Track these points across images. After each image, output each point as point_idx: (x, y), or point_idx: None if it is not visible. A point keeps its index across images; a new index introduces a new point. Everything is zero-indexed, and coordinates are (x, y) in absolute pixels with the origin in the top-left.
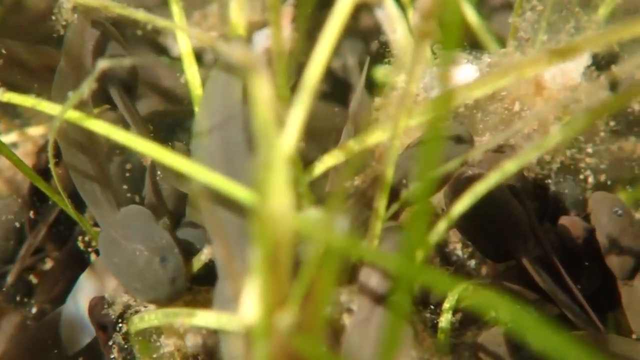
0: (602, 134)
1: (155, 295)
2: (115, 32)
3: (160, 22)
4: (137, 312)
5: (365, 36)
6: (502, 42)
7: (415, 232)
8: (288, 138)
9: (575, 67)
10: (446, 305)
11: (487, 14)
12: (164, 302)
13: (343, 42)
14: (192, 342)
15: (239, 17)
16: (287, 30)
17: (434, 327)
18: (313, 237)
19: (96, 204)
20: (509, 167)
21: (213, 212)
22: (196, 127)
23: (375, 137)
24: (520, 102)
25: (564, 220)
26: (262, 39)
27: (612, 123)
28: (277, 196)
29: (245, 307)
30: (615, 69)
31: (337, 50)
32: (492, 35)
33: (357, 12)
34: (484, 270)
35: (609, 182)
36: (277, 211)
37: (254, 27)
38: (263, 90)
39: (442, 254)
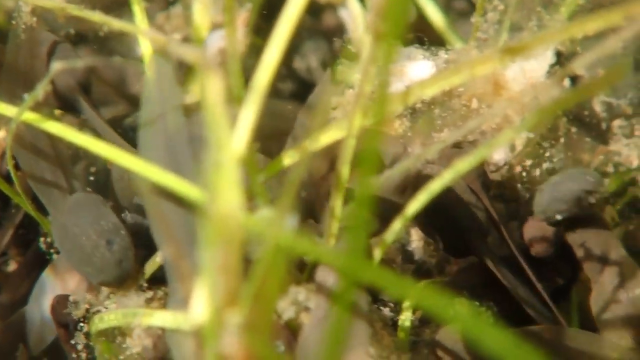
0: (561, 139)
1: (104, 278)
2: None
3: (115, 23)
4: (99, 311)
5: (328, 35)
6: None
7: (357, 232)
8: (239, 138)
9: (539, 66)
10: (406, 303)
11: (453, 15)
12: (112, 284)
13: (306, 42)
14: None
15: (202, 18)
16: (241, 32)
17: (394, 325)
18: (262, 236)
19: (45, 192)
20: (462, 166)
21: (159, 210)
22: (140, 122)
23: (331, 135)
24: (478, 99)
25: (529, 225)
26: (216, 40)
27: (573, 129)
28: (227, 196)
29: (195, 307)
30: (572, 66)
31: (300, 51)
32: (455, 34)
33: (321, 11)
34: (447, 268)
35: None
36: (226, 211)
37: (218, 29)
38: (215, 90)
39: (404, 253)
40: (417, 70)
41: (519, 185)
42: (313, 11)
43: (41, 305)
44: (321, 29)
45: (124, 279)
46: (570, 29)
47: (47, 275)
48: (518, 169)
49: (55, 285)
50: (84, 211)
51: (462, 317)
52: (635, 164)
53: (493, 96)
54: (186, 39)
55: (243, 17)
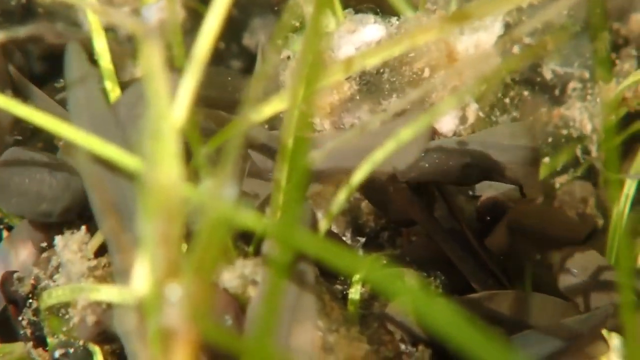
0: (513, 111)
1: (61, 204)
2: None
3: None
4: (46, 287)
5: (277, 11)
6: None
7: (297, 203)
8: (179, 107)
9: (488, 37)
10: (355, 276)
11: None
12: (70, 212)
13: (255, 18)
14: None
15: None
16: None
17: (344, 298)
18: (203, 207)
19: None
20: (405, 134)
21: (97, 180)
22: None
23: (274, 106)
24: (430, 68)
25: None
26: (152, 13)
27: (525, 92)
28: (167, 166)
29: (136, 280)
30: (517, 33)
31: (249, 27)
32: (408, 5)
33: None
34: (398, 241)
35: None
36: (166, 181)
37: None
38: (154, 59)
39: (354, 226)
40: (369, 33)
41: None
42: None
43: None
44: (270, 3)
45: (78, 205)
46: None
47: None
48: None
49: (3, 261)
50: (19, 162)
51: (408, 291)
52: (588, 129)
53: (445, 67)
54: (135, 12)
55: None
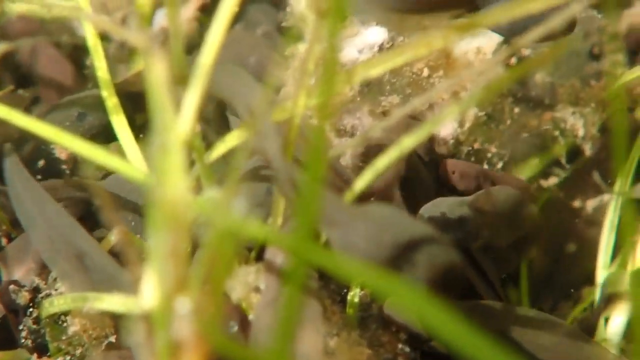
0: (508, 121)
1: None
2: None
3: (56, 8)
4: (47, 295)
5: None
6: None
7: (305, 215)
8: (184, 120)
9: (488, 43)
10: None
11: None
12: None
13: (253, 10)
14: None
15: None
16: (189, 12)
17: (343, 301)
18: (210, 219)
19: None
20: (408, 142)
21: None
22: None
23: (278, 115)
24: (429, 68)
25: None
26: (162, 18)
27: (516, 109)
28: (174, 179)
29: (144, 293)
30: (517, 44)
31: (247, 18)
32: None
33: None
34: None
35: (518, 164)
36: (173, 195)
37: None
38: (158, 73)
39: None
40: (371, 36)
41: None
42: None
43: None
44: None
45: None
46: (515, 8)
47: None
48: (466, 144)
49: (4, 271)
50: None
51: (405, 298)
52: (580, 132)
53: (445, 69)
54: (125, 19)
55: (197, 1)
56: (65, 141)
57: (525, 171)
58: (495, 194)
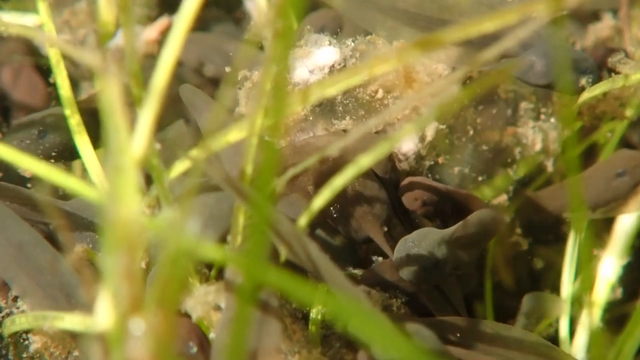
0: (471, 131)
1: None
2: None
3: (14, 28)
4: (8, 314)
5: (239, 22)
6: None
7: (257, 236)
8: (139, 141)
9: (447, 59)
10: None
11: None
12: None
13: (215, 27)
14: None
15: (107, 14)
16: (153, 34)
17: (305, 318)
18: (164, 239)
19: None
20: (366, 161)
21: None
22: None
23: (234, 134)
24: (385, 90)
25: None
26: (119, 39)
27: (478, 120)
28: (127, 200)
29: (100, 312)
30: (475, 60)
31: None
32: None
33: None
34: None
35: (479, 178)
36: (127, 215)
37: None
38: (113, 94)
39: (322, 245)
40: (322, 56)
41: (429, 175)
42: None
43: None
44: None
45: None
46: (469, 28)
47: None
48: (427, 159)
49: None
50: None
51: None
52: (538, 147)
53: (401, 88)
54: (87, 37)
55: (162, 23)
56: (23, 162)
57: (487, 187)
58: (471, 224)
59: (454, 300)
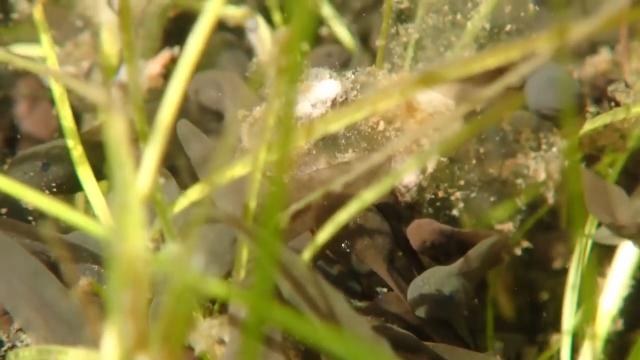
0: (473, 161)
1: None
2: None
3: (19, 61)
4: (11, 347)
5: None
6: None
7: (263, 273)
8: (144, 177)
9: (449, 93)
10: None
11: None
12: None
13: (225, 54)
14: None
15: (110, 47)
16: (156, 68)
17: (308, 351)
18: (169, 275)
19: None
20: (369, 195)
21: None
22: None
23: (238, 170)
24: (386, 122)
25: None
26: (123, 73)
27: (481, 150)
28: (133, 236)
29: (105, 349)
30: (475, 98)
31: (218, 65)
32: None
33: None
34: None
35: (483, 207)
36: (132, 252)
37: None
38: (118, 131)
39: (328, 278)
40: (324, 89)
41: (429, 208)
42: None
43: None
44: (243, 46)
45: None
46: (472, 63)
47: None
48: (429, 191)
49: None
50: None
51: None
52: (542, 177)
53: (403, 119)
54: (91, 69)
55: (164, 56)
56: (26, 195)
57: (489, 218)
58: (473, 257)
59: (461, 332)
